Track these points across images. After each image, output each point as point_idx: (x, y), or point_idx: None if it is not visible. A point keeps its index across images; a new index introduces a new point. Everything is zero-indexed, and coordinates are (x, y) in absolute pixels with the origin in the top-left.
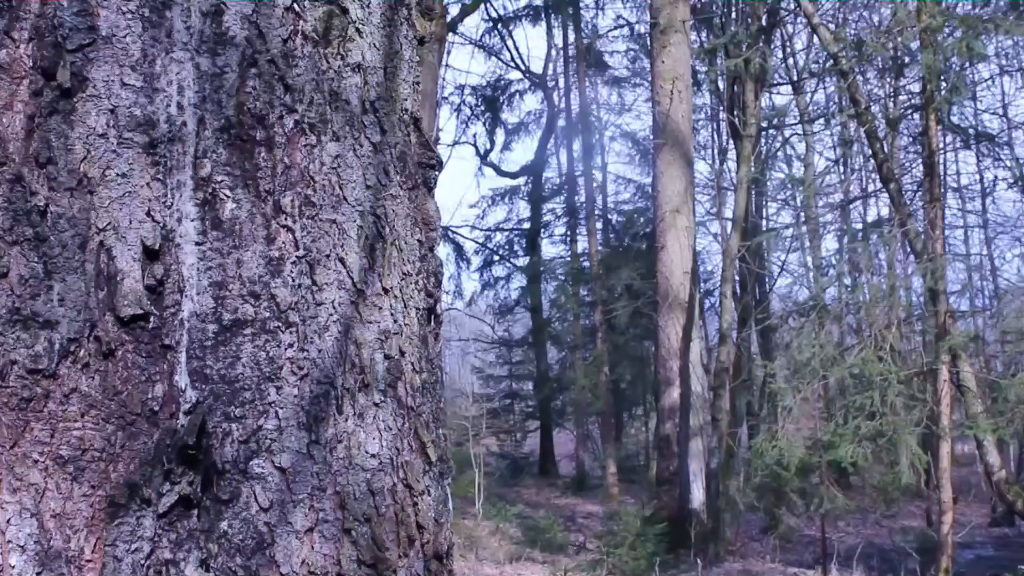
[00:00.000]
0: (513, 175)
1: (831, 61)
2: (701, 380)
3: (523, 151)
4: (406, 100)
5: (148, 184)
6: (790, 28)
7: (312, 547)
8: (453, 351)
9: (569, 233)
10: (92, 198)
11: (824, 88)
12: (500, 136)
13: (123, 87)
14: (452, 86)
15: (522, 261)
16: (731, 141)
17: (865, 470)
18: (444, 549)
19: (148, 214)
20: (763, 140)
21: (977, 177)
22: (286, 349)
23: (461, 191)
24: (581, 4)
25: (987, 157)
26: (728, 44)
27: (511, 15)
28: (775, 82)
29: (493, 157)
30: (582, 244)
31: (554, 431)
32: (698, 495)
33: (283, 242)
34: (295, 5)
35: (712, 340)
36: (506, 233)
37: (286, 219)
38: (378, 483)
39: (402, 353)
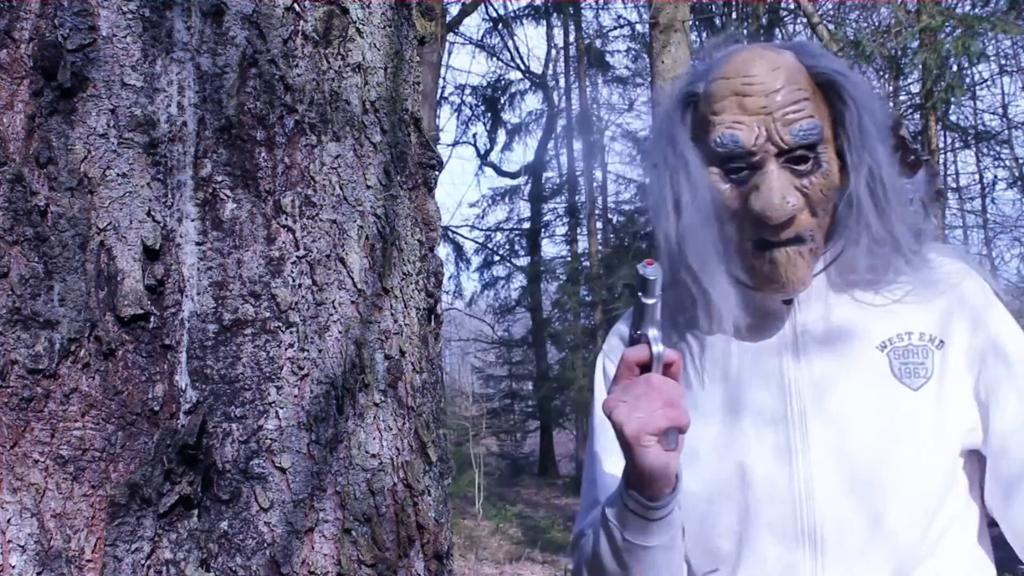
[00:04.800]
0: (513, 175)
1: None
2: None
3: (523, 151)
4: (406, 100)
5: (148, 184)
6: (790, 28)
7: (312, 547)
8: (453, 351)
9: (569, 233)
10: (92, 198)
11: None
12: (500, 136)
13: (123, 87)
14: (452, 86)
15: (522, 261)
16: None
17: None
18: (444, 549)
19: (148, 214)
20: None
21: (977, 177)
22: (286, 349)
23: (461, 191)
24: (582, 3)
25: (987, 157)
26: (727, 43)
27: (511, 15)
28: None
29: (493, 157)
30: (582, 244)
31: (554, 431)
32: None
33: (283, 242)
34: (295, 5)
35: None
36: (506, 233)
37: (286, 219)
38: (378, 483)
39: (402, 353)
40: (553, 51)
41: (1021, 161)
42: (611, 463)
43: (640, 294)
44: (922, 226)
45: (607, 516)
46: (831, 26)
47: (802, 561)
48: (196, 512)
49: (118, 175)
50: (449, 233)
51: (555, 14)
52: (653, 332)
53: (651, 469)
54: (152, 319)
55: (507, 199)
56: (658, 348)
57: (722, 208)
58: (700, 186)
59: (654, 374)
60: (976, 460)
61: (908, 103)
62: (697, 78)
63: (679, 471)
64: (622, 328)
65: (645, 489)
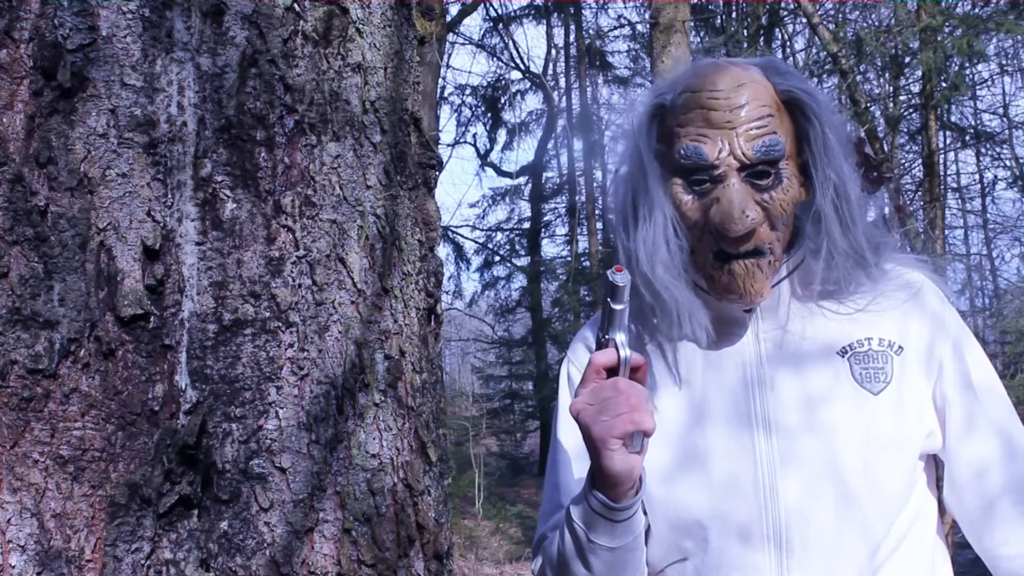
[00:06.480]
0: (513, 175)
1: (831, 61)
2: None
3: (523, 151)
4: (406, 100)
5: (148, 184)
6: (790, 28)
7: (312, 547)
8: (453, 351)
9: (569, 233)
10: (92, 198)
11: (824, 88)
12: (500, 136)
13: (123, 87)
14: (452, 86)
15: (522, 261)
16: None
17: None
18: (444, 549)
19: (148, 214)
20: None
21: (977, 177)
22: (286, 349)
23: (461, 191)
24: (582, 3)
25: (987, 157)
26: (728, 43)
27: (511, 14)
28: None
29: (493, 157)
30: (583, 244)
31: None
32: None
33: (283, 242)
34: (295, 5)
35: None
36: (506, 233)
37: (286, 219)
38: (378, 483)
39: (402, 353)
40: (553, 51)
41: (1021, 161)
42: (574, 468)
43: (609, 299)
44: (882, 240)
45: (572, 517)
46: (831, 26)
47: (767, 561)
48: (196, 512)
49: (118, 175)
50: (449, 233)
51: (555, 14)
52: (621, 337)
53: (616, 471)
54: (152, 319)
55: (507, 199)
56: (625, 352)
57: (683, 219)
58: (657, 201)
59: (621, 378)
60: (932, 458)
61: (908, 103)
62: (665, 90)
63: (643, 473)
64: (587, 335)
65: (609, 491)
